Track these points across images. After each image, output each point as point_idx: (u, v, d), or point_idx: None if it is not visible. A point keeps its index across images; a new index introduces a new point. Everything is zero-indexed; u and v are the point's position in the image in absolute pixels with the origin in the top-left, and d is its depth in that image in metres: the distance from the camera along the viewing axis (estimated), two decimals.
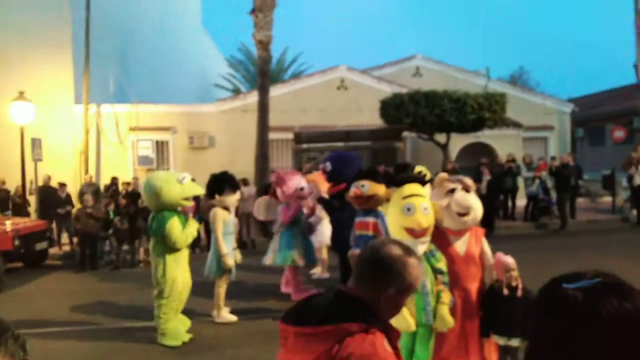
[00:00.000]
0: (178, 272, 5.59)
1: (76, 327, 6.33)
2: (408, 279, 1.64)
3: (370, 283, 1.63)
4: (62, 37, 14.19)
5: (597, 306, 0.94)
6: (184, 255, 5.72)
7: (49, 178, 12.10)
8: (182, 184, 5.62)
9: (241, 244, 9.96)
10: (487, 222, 11.55)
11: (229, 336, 5.87)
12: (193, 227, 5.75)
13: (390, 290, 1.61)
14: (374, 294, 1.61)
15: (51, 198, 11.51)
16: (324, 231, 7.85)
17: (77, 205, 11.13)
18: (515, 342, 3.83)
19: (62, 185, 11.81)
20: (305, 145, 14.77)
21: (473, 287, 3.84)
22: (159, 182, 5.53)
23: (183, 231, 5.56)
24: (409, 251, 1.69)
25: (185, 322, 5.86)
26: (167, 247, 5.50)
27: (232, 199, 6.44)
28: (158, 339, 5.61)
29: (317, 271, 8.52)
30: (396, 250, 1.66)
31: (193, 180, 5.98)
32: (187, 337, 5.67)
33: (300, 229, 7.18)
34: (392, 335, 1.62)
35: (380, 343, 1.50)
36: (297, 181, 7.11)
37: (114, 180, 12.77)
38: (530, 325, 1.05)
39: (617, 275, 1.01)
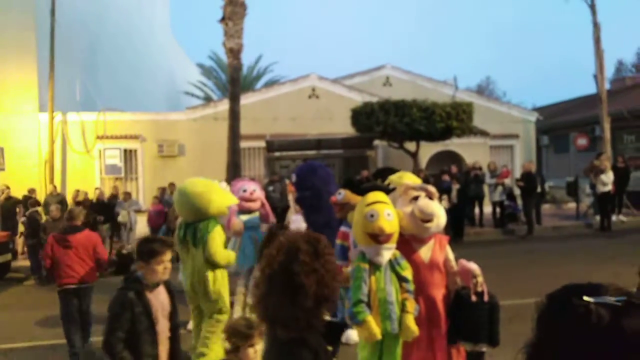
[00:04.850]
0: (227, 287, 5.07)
1: (43, 341, 6.11)
2: None
3: None
4: (26, 42, 13.82)
5: (625, 328, 0.84)
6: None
7: (8, 188, 11.67)
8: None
9: None
10: (457, 229, 11.80)
11: None
12: None
13: None
14: None
15: (12, 209, 11.15)
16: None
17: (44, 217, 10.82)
18: (481, 347, 3.89)
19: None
20: (277, 154, 14.76)
21: (438, 294, 3.88)
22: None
23: None
24: None
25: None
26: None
27: None
28: (193, 359, 4.90)
29: None
30: None
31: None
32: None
33: (249, 234, 6.79)
34: None
35: None
36: (240, 184, 7.05)
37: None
38: (535, 333, 0.94)
39: None
